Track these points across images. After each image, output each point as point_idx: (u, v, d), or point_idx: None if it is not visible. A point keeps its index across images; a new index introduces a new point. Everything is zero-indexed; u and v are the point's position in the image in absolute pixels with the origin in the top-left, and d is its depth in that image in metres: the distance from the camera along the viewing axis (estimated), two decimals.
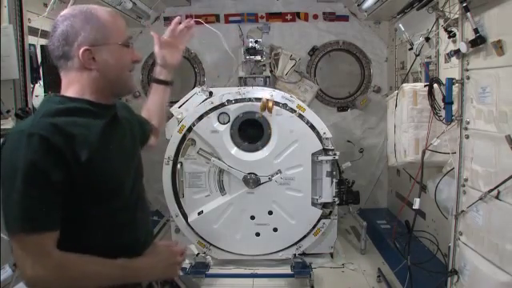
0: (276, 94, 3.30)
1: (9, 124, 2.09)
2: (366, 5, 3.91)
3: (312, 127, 3.26)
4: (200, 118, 3.27)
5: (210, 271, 3.25)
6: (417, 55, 3.17)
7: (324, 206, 3.38)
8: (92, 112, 1.26)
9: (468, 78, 1.93)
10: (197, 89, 3.42)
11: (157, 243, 1.46)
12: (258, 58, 4.11)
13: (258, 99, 3.27)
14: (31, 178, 1.09)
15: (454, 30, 2.16)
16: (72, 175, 1.14)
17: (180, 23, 1.83)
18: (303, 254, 3.44)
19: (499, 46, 1.66)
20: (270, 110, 3.20)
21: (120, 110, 1.42)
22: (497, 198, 1.72)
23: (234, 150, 3.33)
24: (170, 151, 3.31)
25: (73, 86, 1.27)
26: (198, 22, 1.94)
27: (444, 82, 2.09)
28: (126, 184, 1.32)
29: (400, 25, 3.37)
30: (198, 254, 3.35)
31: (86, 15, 1.24)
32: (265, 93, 3.31)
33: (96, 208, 1.23)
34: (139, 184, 1.44)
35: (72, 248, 1.17)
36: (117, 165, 1.29)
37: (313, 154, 3.27)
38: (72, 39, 1.22)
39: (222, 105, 3.27)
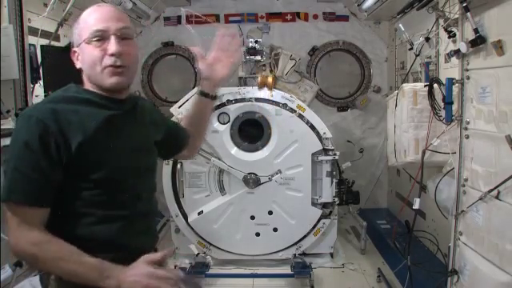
0: (276, 94, 3.30)
1: (9, 124, 2.08)
2: (366, 5, 3.90)
3: (312, 127, 3.26)
4: None
5: (210, 271, 3.25)
6: (417, 55, 3.16)
7: (324, 205, 3.37)
8: (99, 104, 1.31)
9: (468, 78, 1.93)
10: (197, 89, 3.41)
11: (147, 259, 1.21)
12: (258, 58, 4.09)
13: (259, 99, 3.27)
14: (23, 156, 1.18)
15: (454, 30, 2.15)
16: (63, 159, 1.20)
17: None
18: (303, 254, 3.44)
19: (499, 46, 1.66)
20: (269, 87, 3.19)
21: (145, 109, 1.49)
22: (497, 198, 1.72)
23: (234, 150, 3.33)
24: None
25: (84, 82, 1.37)
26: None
27: (444, 82, 2.09)
28: (123, 178, 1.32)
29: (400, 25, 3.38)
30: (198, 253, 3.35)
31: (78, 19, 1.34)
32: (265, 92, 3.31)
33: (86, 197, 1.25)
34: (143, 183, 1.42)
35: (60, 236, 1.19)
36: (114, 156, 1.30)
37: (313, 154, 3.27)
38: (71, 44, 1.37)
39: (222, 105, 3.27)
